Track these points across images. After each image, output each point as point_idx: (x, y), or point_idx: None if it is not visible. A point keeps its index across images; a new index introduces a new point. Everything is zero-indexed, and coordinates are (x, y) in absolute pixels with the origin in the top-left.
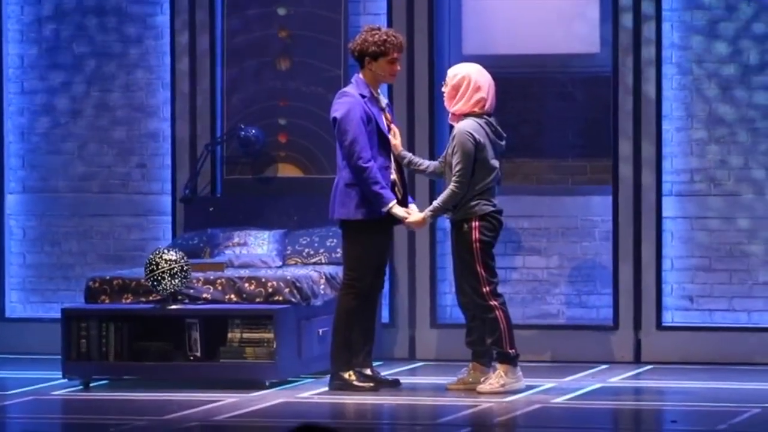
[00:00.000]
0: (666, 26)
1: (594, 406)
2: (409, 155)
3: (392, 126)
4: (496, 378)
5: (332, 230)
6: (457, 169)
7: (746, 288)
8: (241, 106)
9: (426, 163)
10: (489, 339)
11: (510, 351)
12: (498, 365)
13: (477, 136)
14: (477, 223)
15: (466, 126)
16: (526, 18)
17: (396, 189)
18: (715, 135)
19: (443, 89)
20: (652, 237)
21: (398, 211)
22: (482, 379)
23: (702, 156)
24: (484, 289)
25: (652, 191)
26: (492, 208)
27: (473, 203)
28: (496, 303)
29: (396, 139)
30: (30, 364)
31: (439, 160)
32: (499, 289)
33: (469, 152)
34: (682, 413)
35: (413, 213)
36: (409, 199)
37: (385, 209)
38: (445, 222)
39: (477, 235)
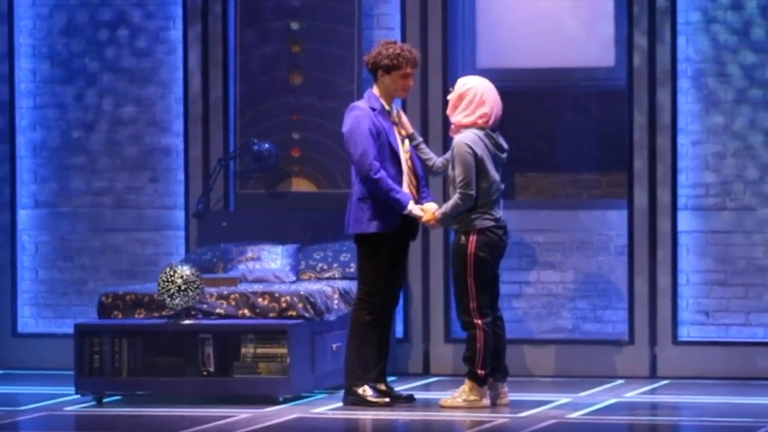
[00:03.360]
0: (681, 40)
1: (610, 422)
2: (419, 139)
3: (393, 107)
4: (460, 393)
5: (346, 245)
6: (459, 180)
7: (762, 303)
8: (255, 121)
9: (432, 156)
10: (464, 353)
11: (480, 372)
12: (465, 380)
13: (475, 148)
14: (475, 237)
15: (464, 138)
16: (541, 32)
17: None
18: (731, 149)
19: (449, 96)
20: (667, 251)
21: (415, 210)
22: (453, 394)
23: (717, 170)
24: (471, 305)
25: (668, 205)
26: (492, 223)
27: (474, 216)
28: (479, 322)
29: (402, 119)
30: (43, 379)
31: (445, 157)
32: (515, 303)
33: (469, 163)
34: (698, 428)
35: (427, 212)
36: (429, 195)
37: (405, 212)
38: None
39: (473, 249)
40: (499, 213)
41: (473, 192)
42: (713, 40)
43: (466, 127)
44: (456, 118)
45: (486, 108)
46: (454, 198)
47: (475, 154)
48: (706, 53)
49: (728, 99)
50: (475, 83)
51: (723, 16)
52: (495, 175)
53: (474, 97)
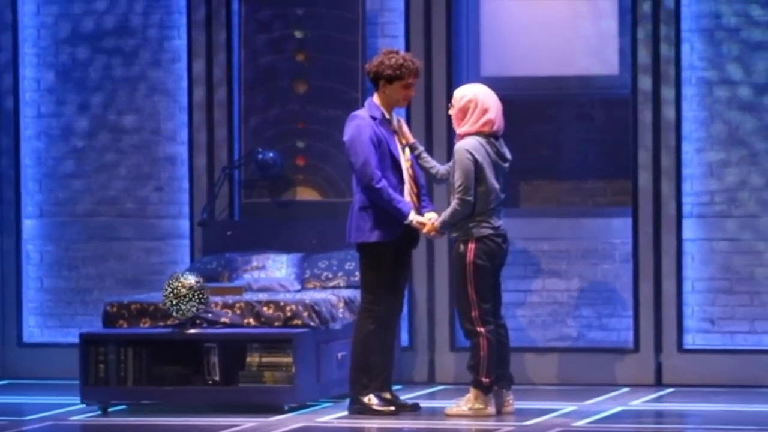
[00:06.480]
0: (685, 47)
1: (615, 430)
2: (421, 148)
3: (394, 116)
4: (465, 402)
5: (351, 254)
6: (458, 185)
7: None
8: (259, 130)
9: (434, 165)
10: (468, 362)
11: (484, 380)
12: (471, 389)
13: (476, 154)
14: (473, 245)
15: (465, 144)
16: (545, 39)
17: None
18: (735, 156)
19: (450, 111)
20: (672, 259)
21: (416, 221)
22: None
23: (722, 177)
24: (473, 313)
25: (672, 213)
26: (491, 231)
27: (472, 224)
28: (482, 330)
29: (403, 128)
30: (48, 389)
31: (449, 164)
32: (520, 311)
33: (468, 169)
34: None
35: (428, 224)
36: (430, 204)
37: (406, 221)
38: None
39: (471, 258)
40: (498, 222)
41: (471, 198)
42: (717, 47)
43: (471, 135)
44: (463, 128)
45: (491, 114)
46: (453, 204)
47: (475, 160)
48: (711, 61)
49: (733, 106)
50: (474, 92)
51: (727, 23)
52: (495, 183)
53: (476, 107)
